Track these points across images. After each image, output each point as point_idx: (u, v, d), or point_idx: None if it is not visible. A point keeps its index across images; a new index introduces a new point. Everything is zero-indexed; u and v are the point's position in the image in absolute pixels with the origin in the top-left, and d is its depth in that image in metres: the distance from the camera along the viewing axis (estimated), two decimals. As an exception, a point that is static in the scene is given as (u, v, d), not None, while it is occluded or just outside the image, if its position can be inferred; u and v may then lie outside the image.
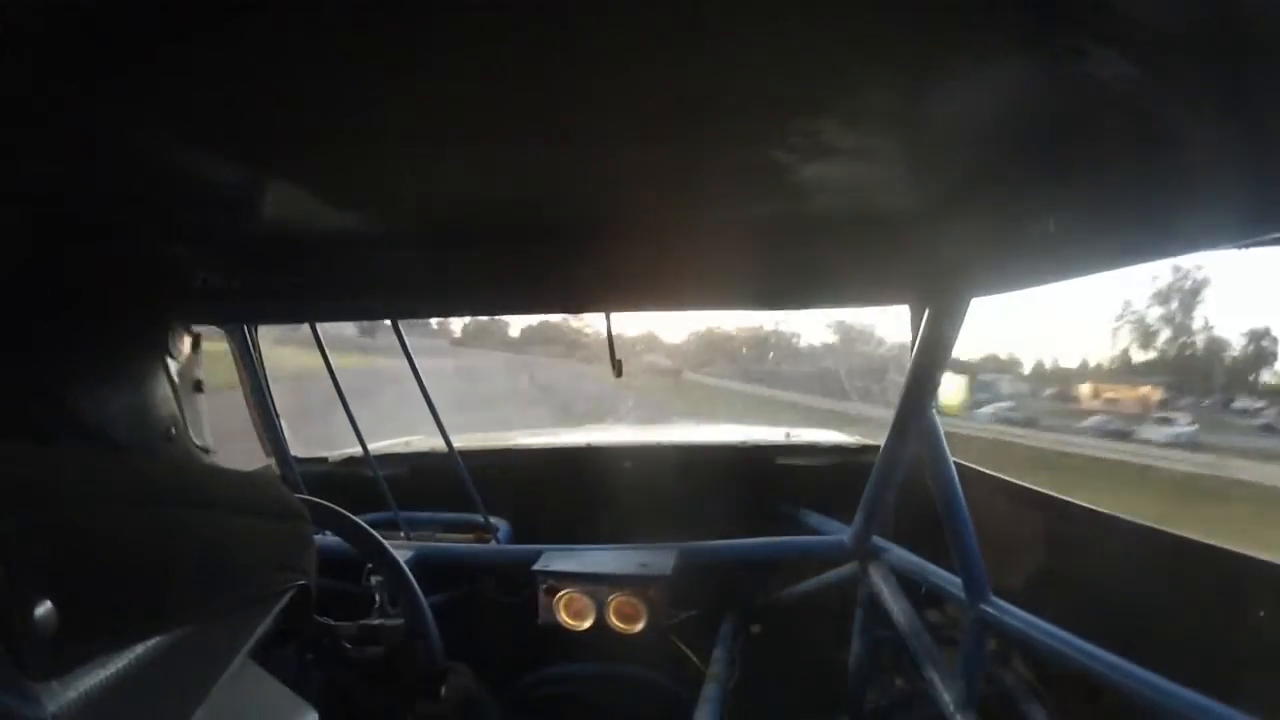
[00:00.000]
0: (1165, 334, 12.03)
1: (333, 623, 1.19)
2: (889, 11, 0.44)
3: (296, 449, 1.83)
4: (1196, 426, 9.32)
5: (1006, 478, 1.45)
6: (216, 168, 0.70)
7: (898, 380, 1.28)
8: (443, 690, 1.16)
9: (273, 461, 1.79)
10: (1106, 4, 0.42)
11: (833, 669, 1.58)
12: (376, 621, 1.26)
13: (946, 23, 0.45)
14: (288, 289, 1.10)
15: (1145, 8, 0.42)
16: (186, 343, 0.81)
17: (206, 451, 0.81)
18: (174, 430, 0.76)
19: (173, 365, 0.78)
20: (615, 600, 1.43)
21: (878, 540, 1.49)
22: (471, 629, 1.53)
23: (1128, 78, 0.48)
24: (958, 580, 1.20)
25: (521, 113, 0.59)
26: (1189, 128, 0.54)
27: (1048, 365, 12.96)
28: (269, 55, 0.49)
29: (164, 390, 0.76)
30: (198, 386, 0.82)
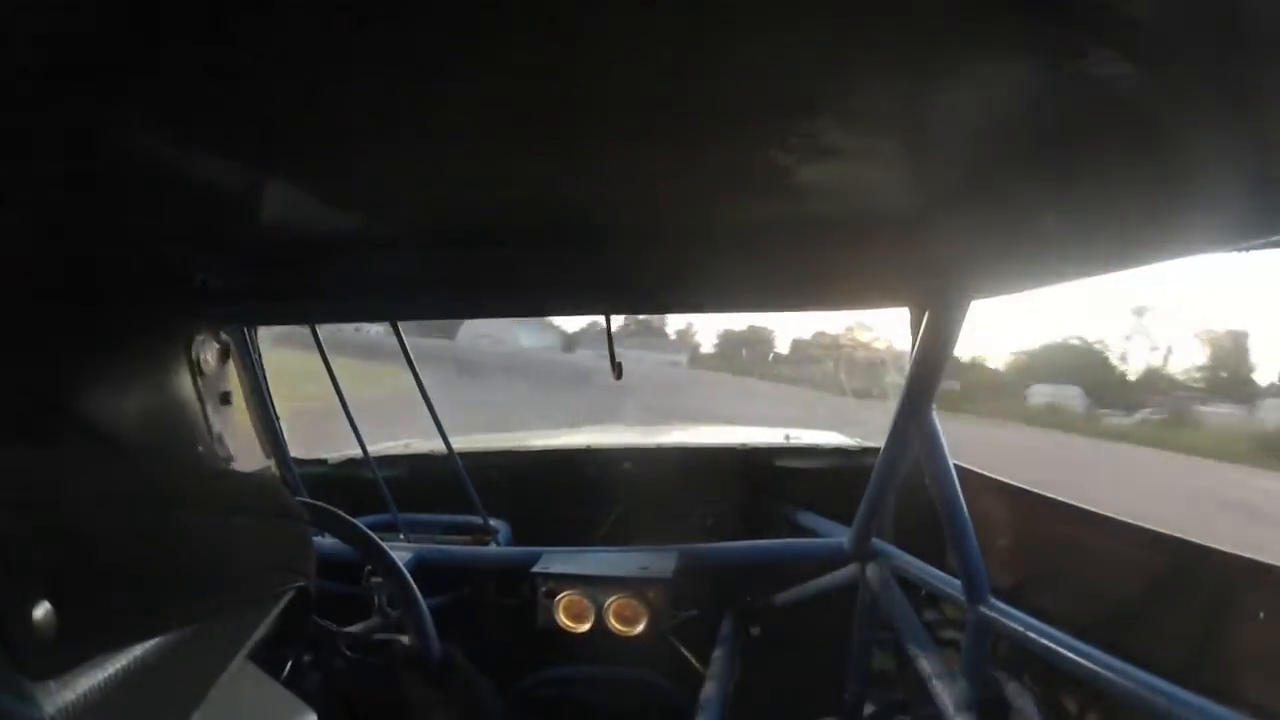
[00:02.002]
0: None
1: (334, 627, 1.19)
2: (888, 12, 0.44)
3: (296, 450, 1.82)
4: None
5: (1006, 479, 1.45)
6: (217, 168, 0.70)
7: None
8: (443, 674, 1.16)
9: (272, 463, 1.79)
10: (1106, 4, 0.42)
11: (832, 671, 1.57)
12: (376, 624, 1.25)
13: (946, 23, 0.45)
14: (288, 289, 1.10)
15: (1145, 8, 0.42)
16: (214, 354, 0.80)
17: (229, 462, 0.80)
18: (200, 447, 0.75)
19: (200, 378, 0.77)
20: (615, 602, 1.42)
21: (877, 542, 1.49)
22: (471, 631, 1.53)
23: (1128, 78, 0.48)
24: (957, 582, 1.20)
25: (521, 114, 0.59)
26: (1189, 128, 0.53)
27: None
28: (269, 55, 0.49)
29: (189, 402, 0.75)
30: (225, 399, 0.81)
